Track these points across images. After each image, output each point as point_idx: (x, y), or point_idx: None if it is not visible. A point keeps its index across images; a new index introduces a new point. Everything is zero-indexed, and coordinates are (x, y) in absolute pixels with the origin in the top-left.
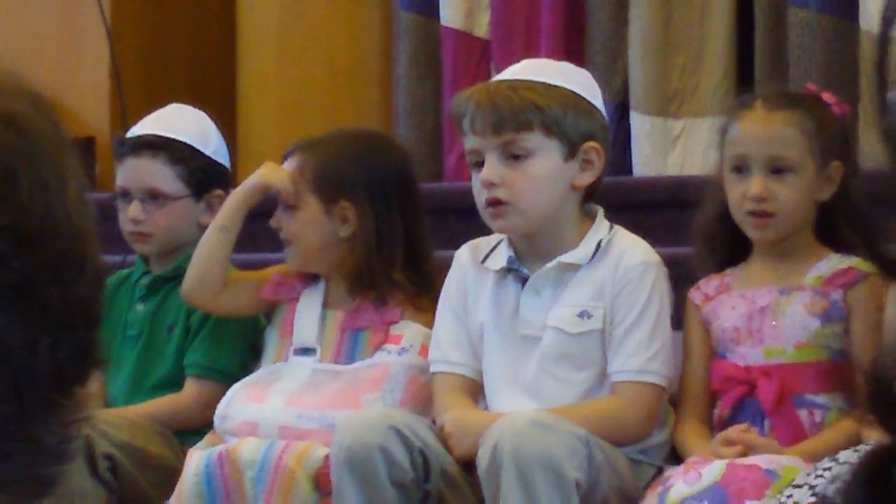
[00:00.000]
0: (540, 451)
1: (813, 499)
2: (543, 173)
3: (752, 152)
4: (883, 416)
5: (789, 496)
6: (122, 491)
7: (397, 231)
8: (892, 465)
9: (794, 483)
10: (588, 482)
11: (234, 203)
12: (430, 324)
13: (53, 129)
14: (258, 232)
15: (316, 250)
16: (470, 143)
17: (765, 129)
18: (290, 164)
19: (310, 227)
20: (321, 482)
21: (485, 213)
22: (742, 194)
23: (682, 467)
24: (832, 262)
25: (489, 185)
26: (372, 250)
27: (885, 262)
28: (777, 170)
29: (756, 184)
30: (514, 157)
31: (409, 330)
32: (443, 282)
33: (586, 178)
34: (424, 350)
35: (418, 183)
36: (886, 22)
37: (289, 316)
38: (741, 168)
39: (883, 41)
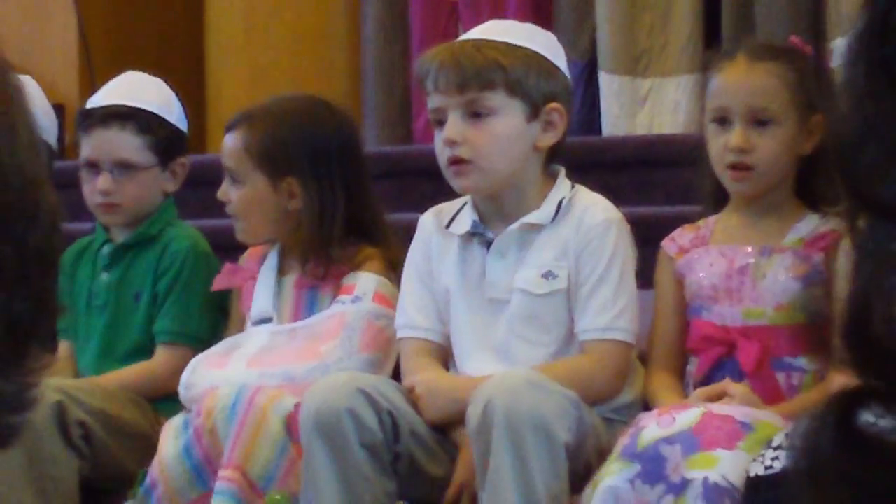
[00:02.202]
0: (532, 412)
1: None
2: (506, 132)
3: (733, 104)
4: (857, 358)
5: (774, 458)
6: (95, 458)
7: (338, 205)
8: (858, 409)
9: (776, 445)
10: (575, 445)
11: None
12: (381, 272)
13: None
14: (210, 201)
15: (264, 225)
16: (433, 101)
17: (747, 79)
18: (232, 139)
19: (258, 204)
20: (291, 427)
21: (447, 172)
22: (723, 146)
23: (656, 411)
24: (812, 223)
25: (451, 143)
26: (314, 228)
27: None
28: (759, 122)
29: (737, 135)
30: (477, 115)
31: (360, 279)
32: (404, 242)
33: (548, 139)
34: (378, 297)
35: (362, 148)
36: None
37: (247, 297)
38: (723, 120)
39: None
